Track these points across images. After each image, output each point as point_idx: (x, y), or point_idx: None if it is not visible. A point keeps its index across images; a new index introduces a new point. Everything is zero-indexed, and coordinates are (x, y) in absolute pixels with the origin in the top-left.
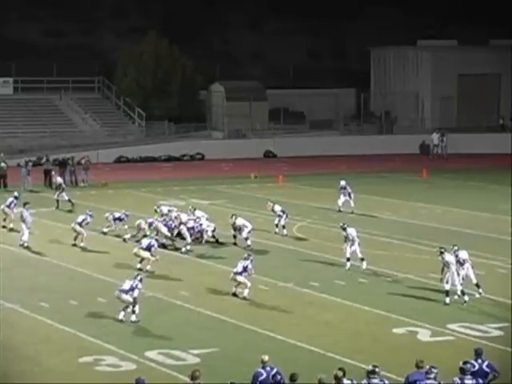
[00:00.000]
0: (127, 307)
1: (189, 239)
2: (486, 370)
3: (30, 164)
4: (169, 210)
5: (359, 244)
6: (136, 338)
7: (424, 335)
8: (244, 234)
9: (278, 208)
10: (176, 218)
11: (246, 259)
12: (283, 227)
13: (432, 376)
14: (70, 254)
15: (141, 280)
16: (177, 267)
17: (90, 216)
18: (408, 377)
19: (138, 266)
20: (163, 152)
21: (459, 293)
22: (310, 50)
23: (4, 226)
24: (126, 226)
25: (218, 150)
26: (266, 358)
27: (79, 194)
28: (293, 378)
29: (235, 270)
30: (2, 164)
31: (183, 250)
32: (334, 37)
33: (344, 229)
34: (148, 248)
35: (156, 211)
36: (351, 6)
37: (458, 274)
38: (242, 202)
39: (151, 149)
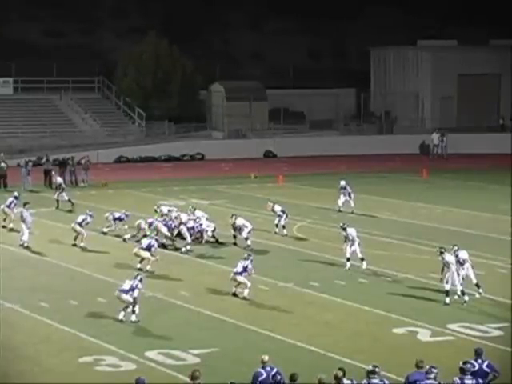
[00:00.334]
0: (127, 307)
1: (189, 239)
2: (486, 370)
3: (30, 164)
4: (169, 210)
5: (359, 244)
6: (136, 338)
7: (424, 335)
8: (244, 234)
9: (277, 208)
10: (176, 218)
11: (245, 259)
12: (283, 227)
13: (432, 376)
14: (70, 254)
15: (141, 280)
16: (177, 267)
17: (90, 216)
18: (408, 377)
19: (138, 266)
20: (163, 152)
21: (459, 293)
22: (310, 49)
23: (4, 226)
24: (126, 226)
25: (218, 150)
26: (266, 358)
27: (79, 194)
28: (293, 378)
29: (235, 270)
30: (2, 164)
31: (183, 250)
32: (334, 37)
33: (344, 229)
34: (148, 248)
35: (156, 211)
36: (351, 6)
37: (458, 274)
38: (241, 202)
39: (151, 149)
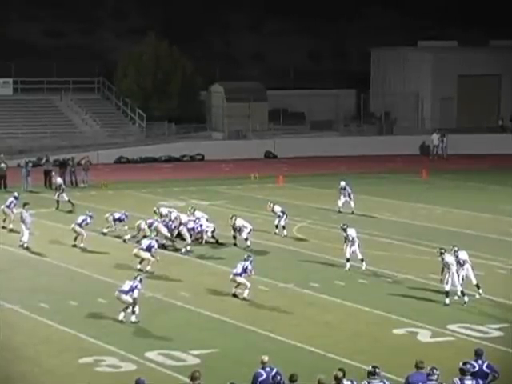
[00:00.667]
0: (127, 308)
1: (189, 240)
2: (486, 370)
3: (30, 165)
4: (169, 211)
5: (359, 245)
6: (136, 339)
7: (424, 336)
8: (244, 235)
9: (278, 209)
10: (176, 218)
11: (245, 260)
12: (283, 228)
13: (434, 378)
14: (70, 255)
15: (141, 281)
16: (177, 268)
17: (90, 217)
18: (408, 377)
19: (138, 266)
20: (163, 153)
21: (459, 293)
22: (310, 50)
23: (4, 227)
24: (126, 227)
25: (218, 151)
26: (266, 358)
27: (79, 194)
28: (293, 378)
29: (235, 270)
30: (2, 165)
31: (183, 250)
32: (334, 38)
33: (344, 229)
34: (148, 249)
35: (155, 212)
36: (351, 7)
37: (458, 275)
38: (242, 202)
39: (151, 149)
